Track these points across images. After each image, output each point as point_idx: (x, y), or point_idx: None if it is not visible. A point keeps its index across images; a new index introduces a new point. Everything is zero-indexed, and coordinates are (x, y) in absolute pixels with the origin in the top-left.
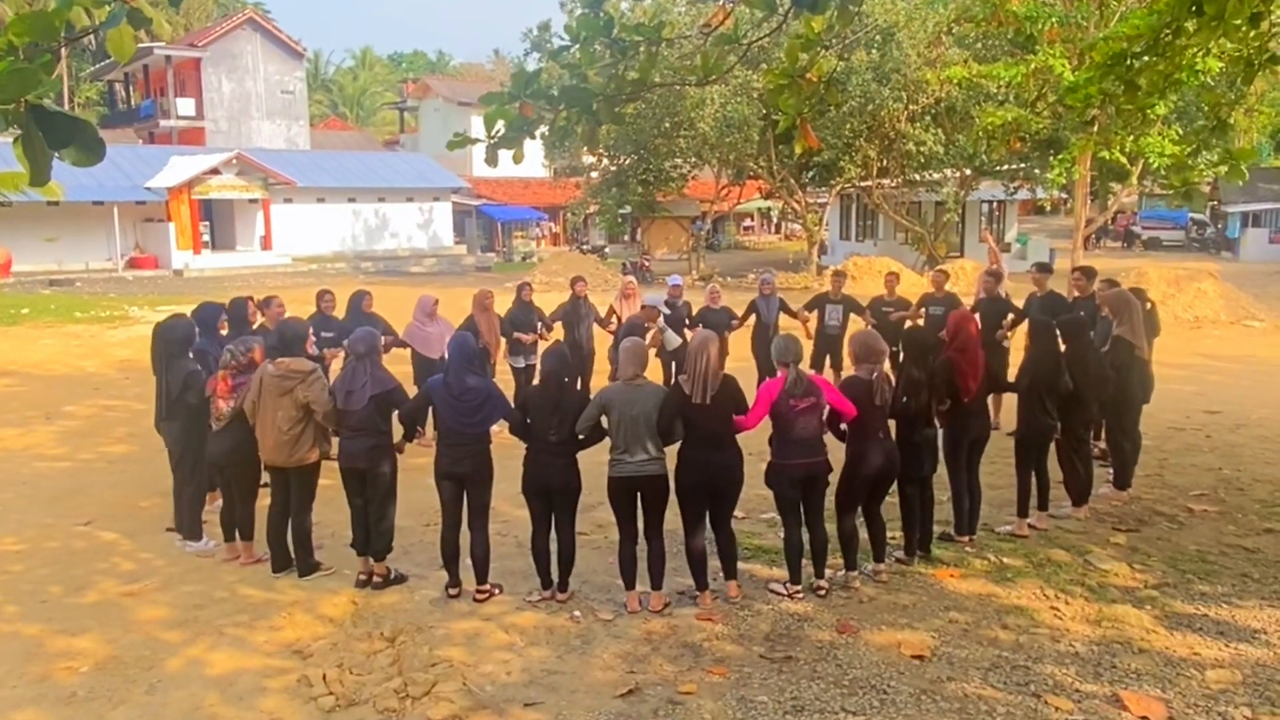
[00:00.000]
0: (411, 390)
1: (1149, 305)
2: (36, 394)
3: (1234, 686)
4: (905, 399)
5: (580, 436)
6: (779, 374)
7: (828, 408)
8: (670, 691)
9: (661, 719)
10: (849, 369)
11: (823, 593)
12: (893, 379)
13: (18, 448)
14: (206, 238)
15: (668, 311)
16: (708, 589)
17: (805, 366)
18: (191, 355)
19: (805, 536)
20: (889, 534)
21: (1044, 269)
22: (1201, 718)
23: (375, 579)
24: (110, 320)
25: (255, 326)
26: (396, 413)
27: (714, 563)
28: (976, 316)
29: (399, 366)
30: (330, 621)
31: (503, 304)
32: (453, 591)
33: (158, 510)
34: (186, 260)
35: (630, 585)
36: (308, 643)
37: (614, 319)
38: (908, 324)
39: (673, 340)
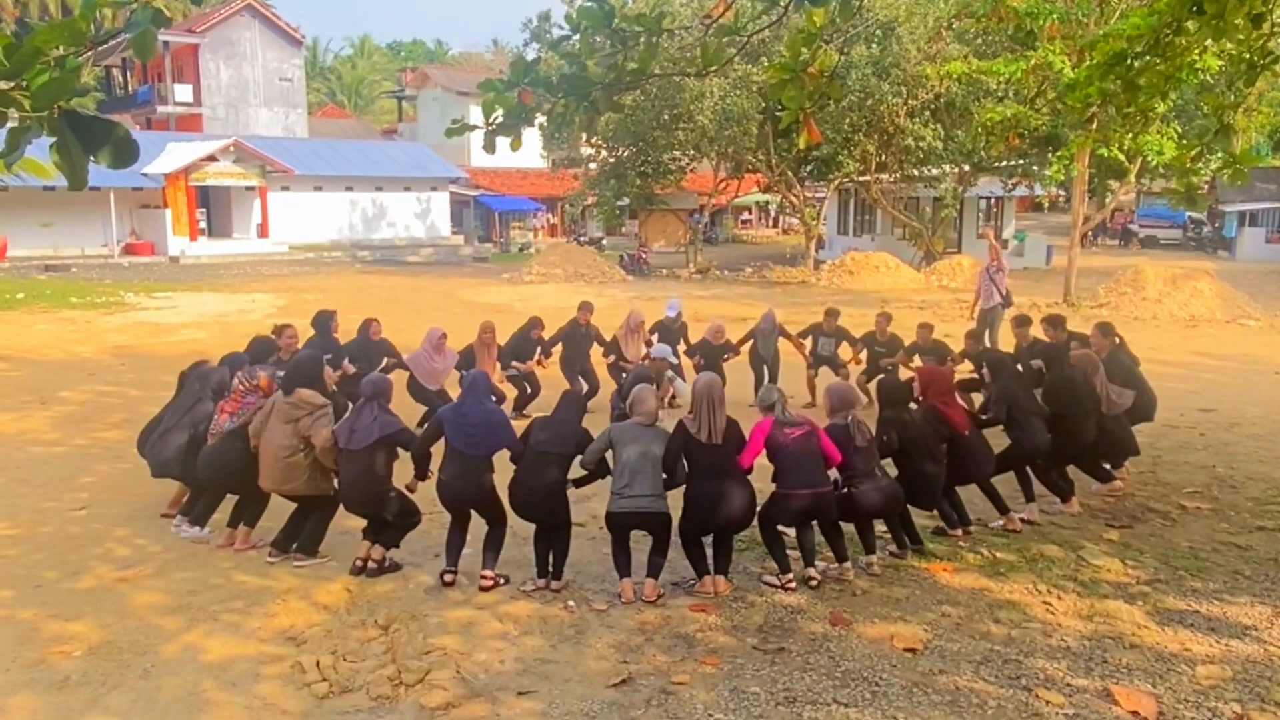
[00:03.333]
0: (408, 413)
1: (1117, 340)
2: (31, 379)
3: (1224, 682)
4: (885, 438)
5: (584, 470)
6: (766, 418)
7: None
8: (663, 682)
9: (654, 709)
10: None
11: (815, 584)
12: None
13: (13, 432)
14: (203, 225)
15: (675, 361)
16: (708, 574)
17: (801, 386)
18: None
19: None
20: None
21: (1022, 323)
22: (1192, 713)
23: (370, 564)
24: (106, 306)
25: (272, 359)
26: (410, 452)
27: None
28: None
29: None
30: (325, 609)
31: (497, 295)
32: (448, 578)
33: (152, 496)
34: (183, 247)
35: (624, 573)
36: (302, 630)
37: (618, 348)
38: (903, 372)
39: (683, 390)
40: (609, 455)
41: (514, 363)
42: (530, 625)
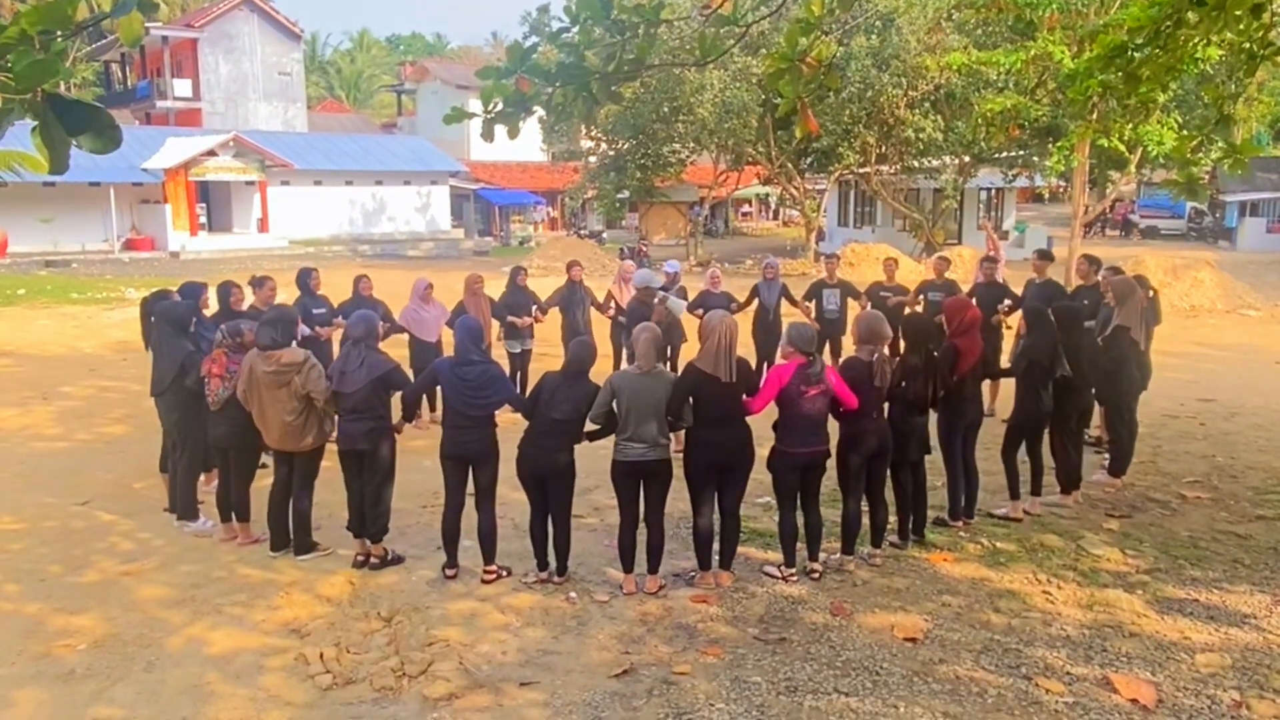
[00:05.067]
0: (409, 374)
1: (1152, 293)
2: (33, 374)
3: (1223, 670)
4: (904, 383)
5: (594, 425)
6: (790, 360)
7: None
8: (665, 672)
9: (656, 699)
10: (849, 350)
11: (817, 576)
12: (891, 363)
13: (15, 428)
14: (203, 219)
15: (657, 284)
16: (710, 569)
17: None
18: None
19: (800, 520)
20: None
21: (1044, 256)
22: (1191, 700)
23: (373, 560)
24: (107, 301)
25: (246, 306)
26: (399, 394)
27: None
28: (973, 301)
29: (396, 350)
30: (328, 601)
31: (496, 289)
32: (450, 573)
33: (155, 490)
34: (183, 242)
35: (628, 569)
36: (306, 622)
37: (612, 303)
38: (907, 310)
39: (677, 306)
40: (613, 404)
41: (510, 317)
42: (532, 616)
